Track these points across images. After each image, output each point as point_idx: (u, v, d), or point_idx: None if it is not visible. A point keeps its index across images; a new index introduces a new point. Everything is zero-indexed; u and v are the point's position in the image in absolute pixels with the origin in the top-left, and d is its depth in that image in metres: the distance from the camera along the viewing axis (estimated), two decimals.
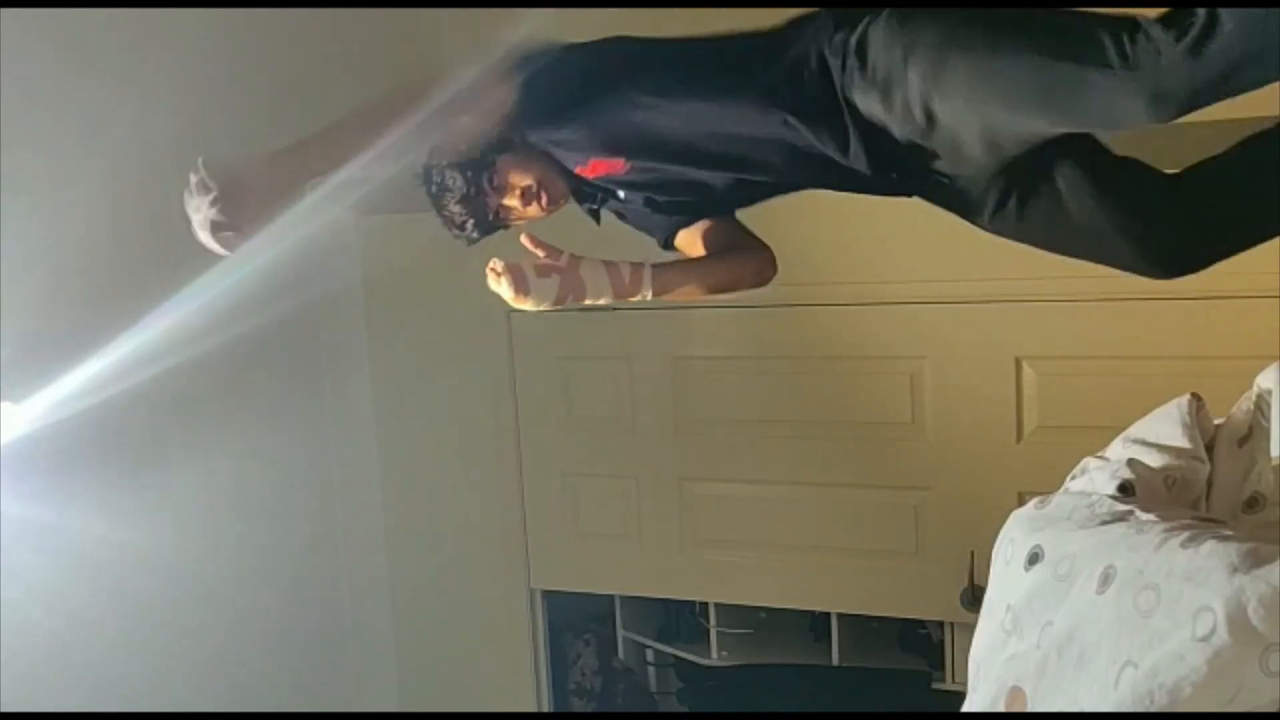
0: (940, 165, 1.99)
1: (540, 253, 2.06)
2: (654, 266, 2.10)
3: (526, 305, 2.04)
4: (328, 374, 3.97)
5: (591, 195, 2.14)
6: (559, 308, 2.07)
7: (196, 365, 3.23)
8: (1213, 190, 1.99)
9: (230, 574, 3.52)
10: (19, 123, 2.83)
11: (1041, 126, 1.84)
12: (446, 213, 2.10)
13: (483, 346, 3.84)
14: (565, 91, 1.99)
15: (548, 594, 4.00)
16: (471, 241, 2.12)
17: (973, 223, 2.12)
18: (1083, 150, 1.96)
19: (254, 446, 3.59)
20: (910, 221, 3.34)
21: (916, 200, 3.39)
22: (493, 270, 2.04)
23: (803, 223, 3.45)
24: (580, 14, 2.31)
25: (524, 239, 2.06)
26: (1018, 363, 3.27)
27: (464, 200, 2.06)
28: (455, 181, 2.05)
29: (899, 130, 1.90)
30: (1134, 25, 1.65)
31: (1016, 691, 1.56)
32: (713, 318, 3.64)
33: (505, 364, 3.83)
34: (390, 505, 4.05)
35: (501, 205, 2.07)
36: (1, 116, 2.78)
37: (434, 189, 2.09)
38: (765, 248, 2.23)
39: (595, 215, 2.18)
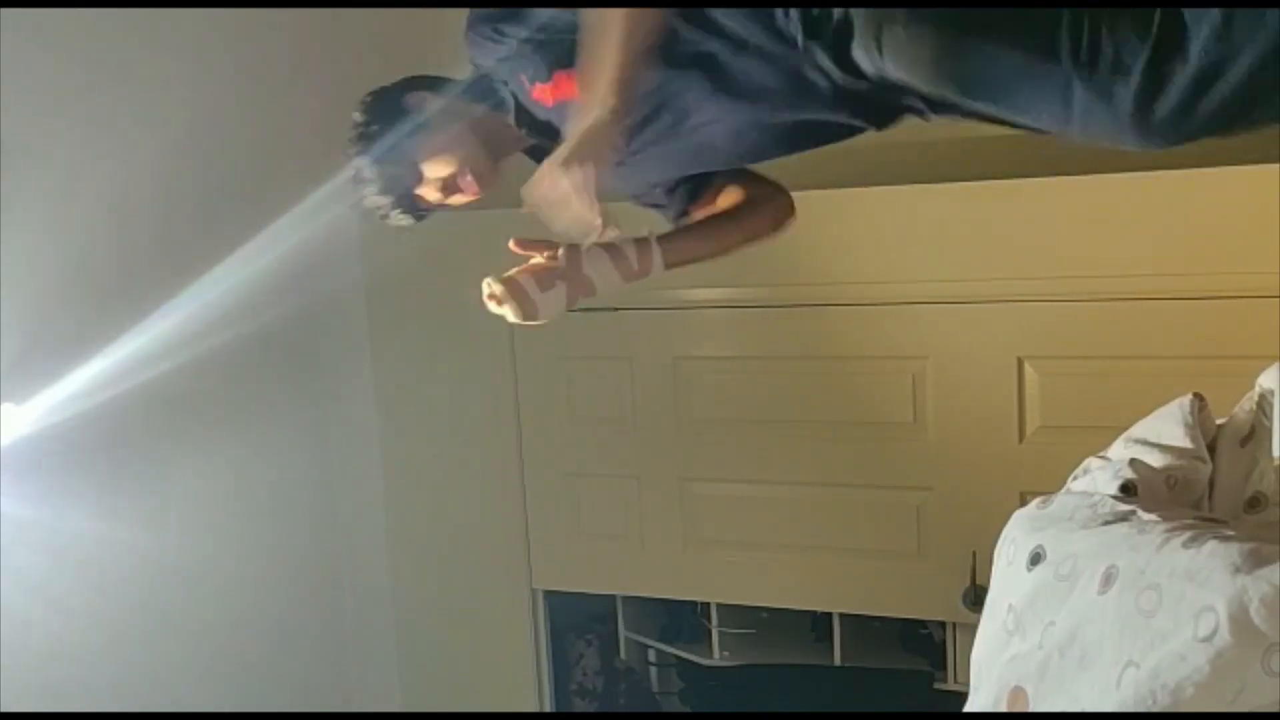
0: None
1: (533, 255, 1.88)
2: (660, 239, 1.93)
3: (539, 321, 1.87)
4: (329, 374, 3.97)
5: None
6: (573, 309, 1.90)
7: (198, 366, 3.24)
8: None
9: (231, 575, 3.52)
10: (21, 124, 2.83)
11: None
12: (369, 204, 1.93)
13: (484, 347, 3.84)
14: None
15: (549, 594, 4.00)
16: (401, 228, 1.96)
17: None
18: None
19: (255, 447, 3.60)
20: (912, 221, 3.35)
21: (916, 200, 3.40)
22: (492, 297, 1.85)
23: (804, 223, 3.45)
24: None
25: (512, 245, 1.90)
26: (1020, 363, 3.27)
27: (382, 190, 1.89)
28: (370, 170, 1.88)
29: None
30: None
31: (1018, 691, 1.55)
32: (714, 318, 3.64)
33: (507, 364, 3.83)
34: (392, 505, 4.05)
35: (421, 197, 1.90)
36: (3, 118, 2.78)
37: (354, 180, 1.93)
38: (781, 191, 2.06)
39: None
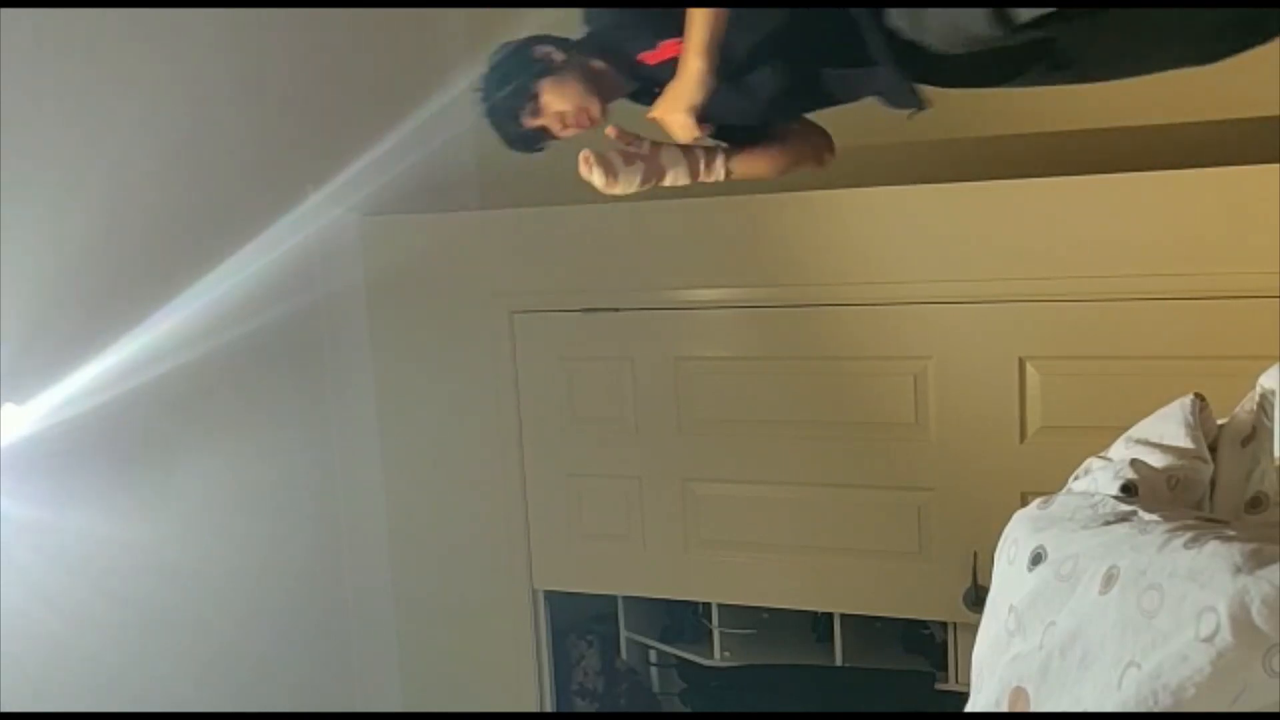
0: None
1: (624, 142, 2.26)
2: (726, 151, 2.31)
3: (615, 190, 2.24)
4: (330, 374, 3.96)
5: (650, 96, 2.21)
6: (644, 190, 2.27)
7: (199, 366, 3.24)
8: None
9: (232, 575, 3.52)
10: (21, 123, 2.83)
11: None
12: (497, 129, 2.27)
13: (485, 347, 3.84)
14: None
15: (550, 594, 4.00)
16: (521, 153, 2.31)
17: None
18: None
19: (256, 447, 3.59)
20: (912, 221, 3.35)
21: (917, 200, 3.41)
22: (585, 160, 2.22)
23: (805, 223, 3.46)
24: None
25: (609, 131, 2.26)
26: (1021, 363, 3.27)
27: (508, 121, 2.24)
28: (501, 102, 2.23)
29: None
30: None
31: (1019, 692, 1.55)
32: (714, 318, 3.64)
33: (508, 364, 3.83)
34: (392, 506, 4.05)
35: (541, 127, 2.24)
36: (3, 117, 2.78)
37: (483, 107, 2.26)
38: (820, 130, 2.41)
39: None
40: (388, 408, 3.99)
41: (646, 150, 2.26)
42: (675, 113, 2.11)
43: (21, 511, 2.85)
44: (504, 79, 2.24)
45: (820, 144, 2.42)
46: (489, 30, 2.58)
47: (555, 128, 2.25)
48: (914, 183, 3.32)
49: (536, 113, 2.23)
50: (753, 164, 2.36)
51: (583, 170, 2.23)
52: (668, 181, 2.29)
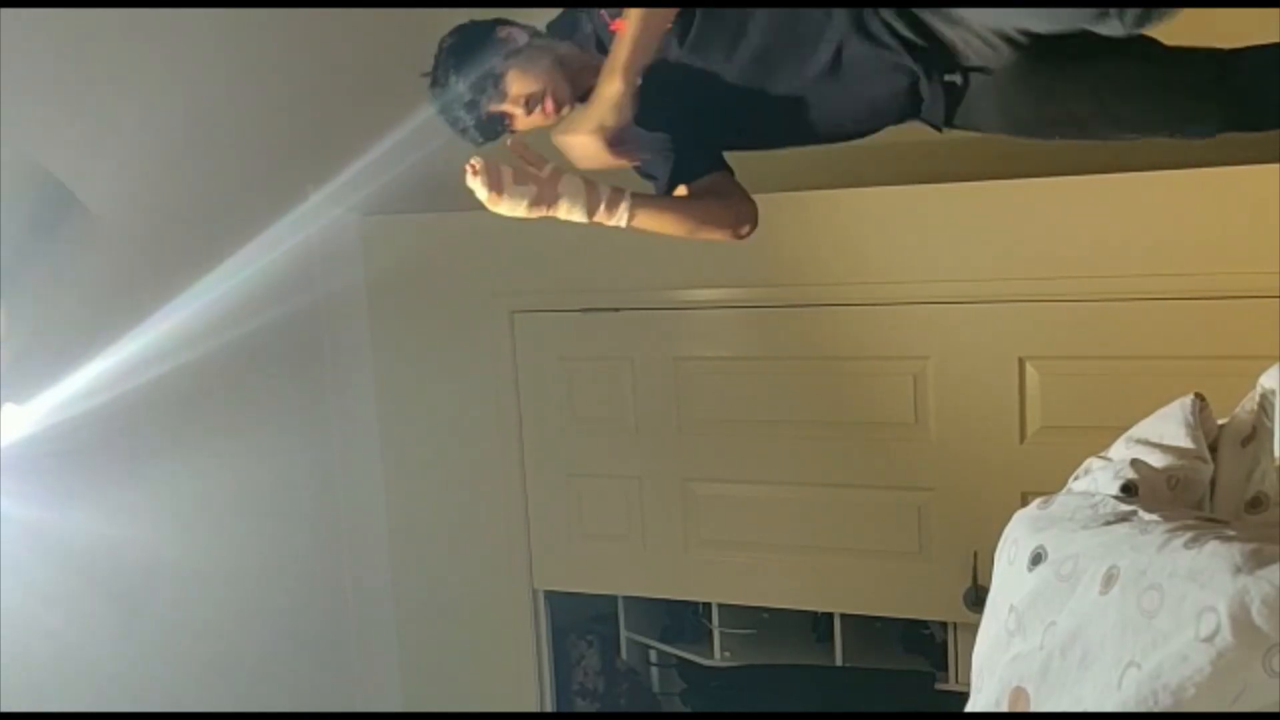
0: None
1: (524, 158, 2.08)
2: (634, 196, 2.13)
3: (500, 209, 2.07)
4: (330, 375, 3.97)
5: None
6: (532, 216, 2.09)
7: (199, 366, 3.24)
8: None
9: (232, 575, 3.52)
10: (21, 123, 2.83)
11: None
12: (449, 116, 2.12)
13: (485, 347, 3.84)
14: None
15: (551, 594, 4.00)
16: (476, 144, 2.13)
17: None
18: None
19: (256, 448, 3.59)
20: (912, 221, 3.35)
21: (917, 200, 3.40)
22: (471, 167, 2.05)
23: (805, 223, 3.46)
24: None
25: (510, 143, 2.10)
26: (1021, 363, 3.27)
27: (466, 106, 2.08)
28: (459, 86, 2.08)
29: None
30: None
31: (1020, 692, 1.55)
32: (714, 318, 3.64)
33: (508, 364, 3.83)
34: (393, 506, 4.05)
35: (504, 112, 2.09)
36: (3, 118, 2.78)
37: (436, 92, 2.12)
38: (749, 200, 2.24)
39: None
40: (388, 408, 3.99)
41: (546, 174, 2.07)
42: (579, 133, 1.98)
43: (21, 511, 2.85)
44: (462, 62, 2.08)
45: (743, 213, 2.24)
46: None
47: (518, 114, 2.08)
48: (914, 183, 3.32)
49: (500, 97, 2.07)
50: (659, 218, 2.17)
51: (468, 178, 2.06)
52: (560, 214, 2.10)
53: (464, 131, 2.12)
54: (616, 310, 3.68)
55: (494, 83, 2.06)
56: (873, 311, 3.43)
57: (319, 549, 3.97)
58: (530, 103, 2.07)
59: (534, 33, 2.12)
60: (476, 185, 2.04)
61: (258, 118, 3.55)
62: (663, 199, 2.21)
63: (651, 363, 3.68)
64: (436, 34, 2.19)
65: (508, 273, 3.74)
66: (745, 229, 2.24)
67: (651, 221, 2.16)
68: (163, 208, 3.26)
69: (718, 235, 2.23)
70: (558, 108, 2.08)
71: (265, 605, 3.67)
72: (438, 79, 2.10)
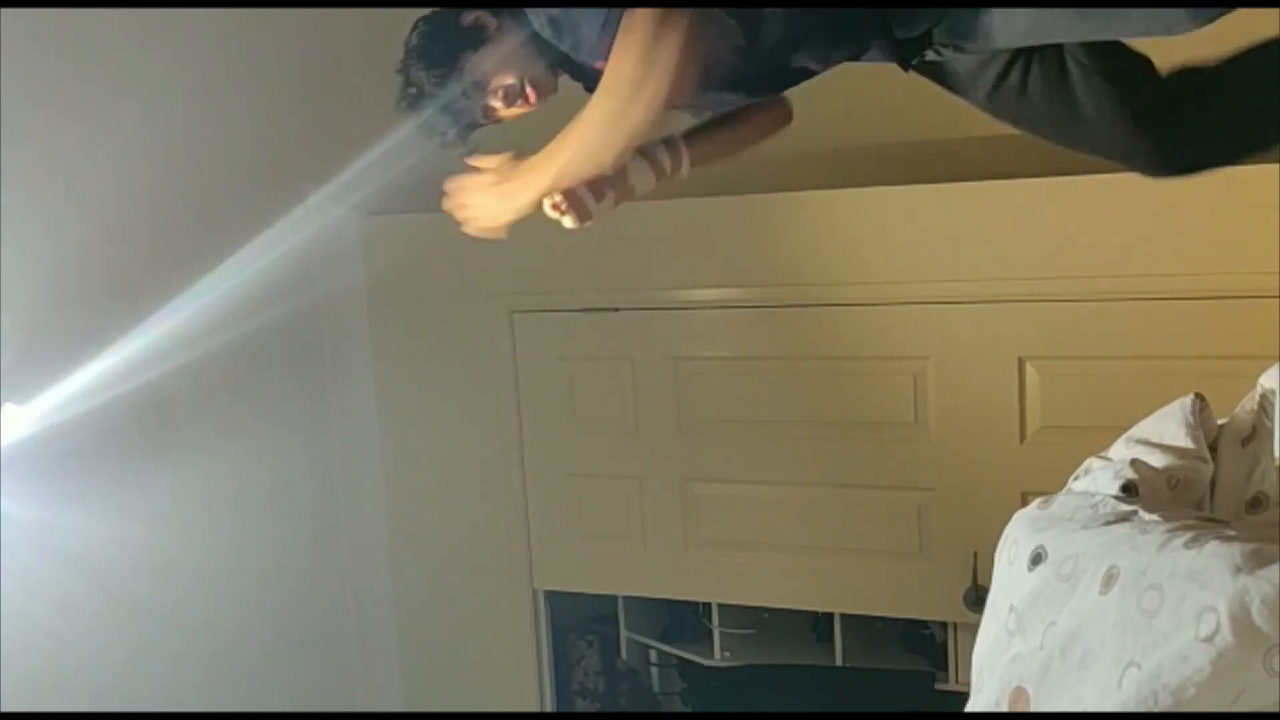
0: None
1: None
2: (685, 139, 2.06)
3: (589, 225, 1.99)
4: (330, 375, 3.97)
5: None
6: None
7: (199, 366, 3.24)
8: (1217, 92, 1.98)
9: (232, 575, 3.52)
10: (21, 123, 2.83)
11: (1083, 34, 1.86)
12: (425, 123, 2.00)
13: (485, 347, 3.84)
14: None
15: (551, 594, 4.00)
16: (447, 146, 2.02)
17: (966, 99, 2.06)
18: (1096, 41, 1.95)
19: (256, 448, 3.60)
20: (912, 221, 3.35)
21: (916, 200, 3.40)
22: (554, 206, 1.94)
23: (805, 223, 3.46)
24: None
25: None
26: (1021, 363, 3.27)
27: (446, 108, 1.97)
28: (434, 88, 1.96)
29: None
30: None
31: (1020, 692, 1.55)
32: (714, 318, 3.64)
33: (508, 364, 3.83)
34: (393, 506, 4.05)
35: (484, 105, 1.97)
36: (3, 117, 2.78)
37: (411, 95, 1.99)
38: (782, 99, 2.15)
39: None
40: (388, 408, 3.99)
41: (611, 173, 1.97)
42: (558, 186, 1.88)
43: (21, 511, 2.85)
44: (432, 55, 1.95)
45: (781, 109, 2.15)
46: None
47: (498, 106, 1.97)
48: (914, 183, 3.32)
49: (476, 89, 1.94)
50: (714, 147, 2.11)
51: (548, 210, 1.95)
52: (638, 195, 2.06)
53: (441, 132, 2.00)
54: (616, 310, 3.68)
55: (468, 76, 1.94)
56: (873, 311, 3.42)
57: (319, 549, 3.97)
58: (509, 93, 1.95)
59: (500, 15, 1.95)
60: (566, 220, 1.96)
61: (257, 117, 3.56)
62: (706, 127, 2.12)
63: (651, 363, 3.68)
64: None
65: (507, 273, 3.73)
66: (787, 120, 2.17)
67: (710, 154, 2.11)
68: (163, 208, 3.26)
69: (769, 136, 2.17)
70: (539, 91, 1.96)
71: (265, 605, 3.67)
72: (409, 75, 1.98)
